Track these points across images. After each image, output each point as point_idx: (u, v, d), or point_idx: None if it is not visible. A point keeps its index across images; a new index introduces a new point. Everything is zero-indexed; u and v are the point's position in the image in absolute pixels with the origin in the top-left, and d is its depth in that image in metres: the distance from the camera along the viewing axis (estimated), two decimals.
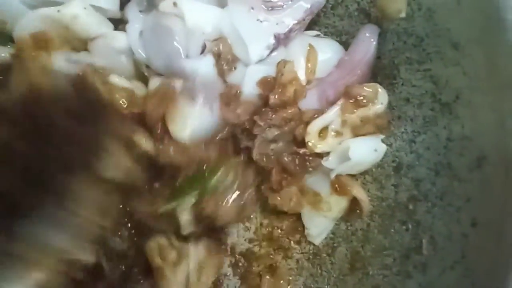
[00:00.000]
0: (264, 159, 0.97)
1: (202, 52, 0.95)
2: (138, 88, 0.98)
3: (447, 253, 0.86)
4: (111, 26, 0.99)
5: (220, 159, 0.95)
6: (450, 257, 0.85)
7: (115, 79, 0.96)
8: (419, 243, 0.90)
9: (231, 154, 0.98)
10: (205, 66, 0.93)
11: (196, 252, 0.95)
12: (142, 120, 0.93)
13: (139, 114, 0.93)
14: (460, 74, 0.83)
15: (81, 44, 0.98)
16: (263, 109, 0.93)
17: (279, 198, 0.99)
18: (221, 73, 0.94)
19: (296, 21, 0.95)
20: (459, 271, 0.83)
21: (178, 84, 0.93)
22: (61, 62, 0.94)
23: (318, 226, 1.03)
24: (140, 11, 1.00)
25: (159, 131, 0.93)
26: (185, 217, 0.93)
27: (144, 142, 0.91)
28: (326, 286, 1.02)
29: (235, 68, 0.94)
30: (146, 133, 0.92)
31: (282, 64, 0.92)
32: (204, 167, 0.94)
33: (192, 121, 0.92)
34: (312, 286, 1.03)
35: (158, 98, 0.93)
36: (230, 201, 0.95)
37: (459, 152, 0.85)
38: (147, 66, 0.99)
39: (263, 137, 0.94)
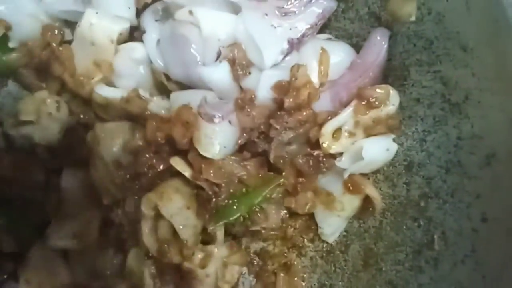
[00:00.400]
0: (281, 161, 0.99)
1: (218, 58, 0.98)
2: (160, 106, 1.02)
3: (458, 248, 0.87)
4: (127, 20, 1.03)
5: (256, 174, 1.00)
6: (461, 251, 0.87)
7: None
8: (430, 238, 0.92)
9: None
10: (220, 73, 0.96)
11: (220, 251, 0.98)
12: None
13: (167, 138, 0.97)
14: (469, 75, 0.85)
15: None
16: (278, 113, 0.95)
17: (294, 202, 1.01)
18: (236, 78, 0.97)
19: (308, 26, 0.98)
20: (470, 265, 0.85)
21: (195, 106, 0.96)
22: None
23: (332, 225, 1.05)
24: (156, 20, 1.03)
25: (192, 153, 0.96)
26: (220, 233, 0.98)
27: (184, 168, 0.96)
28: (340, 283, 1.04)
29: (249, 73, 0.97)
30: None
31: (295, 68, 0.95)
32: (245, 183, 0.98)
33: (217, 138, 0.94)
34: (326, 283, 1.06)
35: (182, 123, 0.95)
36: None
37: (469, 151, 0.87)
38: (166, 75, 1.03)
39: (279, 139, 0.96)
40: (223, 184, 0.96)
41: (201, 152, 0.94)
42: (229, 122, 0.94)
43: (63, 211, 1.03)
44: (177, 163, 0.96)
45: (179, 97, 1.00)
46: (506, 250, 0.79)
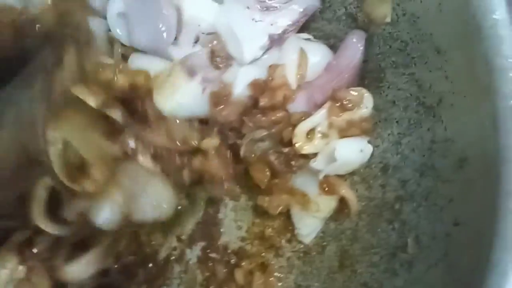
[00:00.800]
0: (252, 155, 0.99)
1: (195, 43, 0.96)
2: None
3: (431, 252, 0.87)
4: None
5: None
6: (434, 255, 0.86)
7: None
8: (405, 242, 0.92)
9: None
10: (198, 55, 0.94)
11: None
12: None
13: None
14: (443, 78, 0.85)
15: None
16: (253, 111, 0.95)
17: (267, 200, 1.01)
18: (217, 69, 0.96)
19: (290, 23, 0.97)
20: (443, 269, 0.84)
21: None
22: None
23: (308, 225, 1.05)
24: None
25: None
26: None
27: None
28: (316, 284, 1.03)
29: (230, 65, 0.96)
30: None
31: (273, 69, 0.95)
32: None
33: (181, 95, 0.93)
34: (302, 283, 1.05)
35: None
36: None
37: (442, 154, 0.86)
38: (124, 45, 1.00)
39: (251, 136, 0.96)
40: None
41: (155, 101, 0.92)
42: (203, 90, 0.93)
43: None
44: (79, 91, 0.88)
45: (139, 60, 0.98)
46: (477, 254, 0.78)
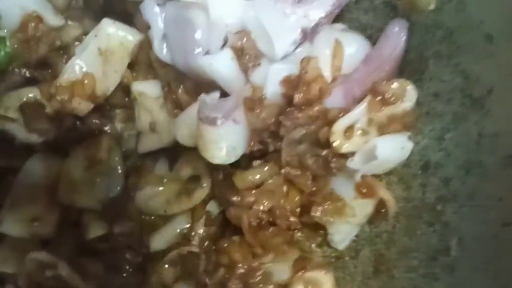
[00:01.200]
0: (294, 161, 0.95)
1: (224, 46, 0.94)
2: None
3: (476, 255, 0.83)
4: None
5: None
6: (479, 258, 0.83)
7: None
8: (446, 244, 0.88)
9: None
10: (223, 62, 0.92)
11: None
12: None
13: None
14: (494, 68, 0.81)
15: None
16: (288, 109, 0.92)
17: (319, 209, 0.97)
18: (245, 69, 0.93)
19: (323, 15, 0.94)
20: (489, 273, 0.81)
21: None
22: None
23: (341, 232, 1.00)
24: (158, 5, 0.99)
25: None
26: None
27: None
28: None
29: (259, 64, 0.93)
30: None
31: (306, 61, 0.90)
32: None
33: (223, 142, 0.91)
34: None
35: None
36: None
37: (490, 150, 0.82)
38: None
39: (290, 137, 0.93)
40: None
41: (209, 160, 0.91)
42: (233, 120, 0.90)
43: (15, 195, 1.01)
44: None
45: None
46: None
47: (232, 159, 0.93)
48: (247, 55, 0.92)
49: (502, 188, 0.80)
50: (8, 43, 1.01)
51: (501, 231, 0.79)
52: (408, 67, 0.94)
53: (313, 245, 1.04)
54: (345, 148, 0.90)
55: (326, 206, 0.95)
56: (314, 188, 0.97)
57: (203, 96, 0.92)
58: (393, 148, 0.92)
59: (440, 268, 0.88)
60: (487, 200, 0.82)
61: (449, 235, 0.87)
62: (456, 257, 0.86)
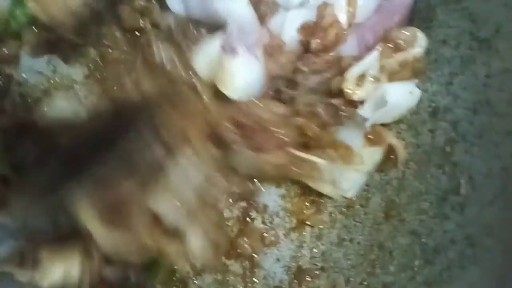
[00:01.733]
0: (307, 107, 0.97)
1: None
2: None
3: (486, 190, 0.85)
4: None
5: None
6: (489, 193, 0.84)
7: None
8: (456, 184, 0.90)
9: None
10: (239, 6, 0.92)
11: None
12: None
13: None
14: (501, 6, 0.83)
15: None
16: (305, 55, 0.93)
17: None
18: (262, 17, 0.94)
19: None
20: (500, 205, 0.83)
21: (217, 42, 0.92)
22: None
23: (350, 179, 1.01)
24: None
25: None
26: None
27: None
28: (360, 236, 1.01)
29: (276, 11, 0.94)
30: None
31: (322, 7, 0.92)
32: None
33: (241, 74, 0.91)
34: (346, 237, 1.02)
35: None
36: None
37: (498, 87, 0.85)
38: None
39: (305, 84, 0.94)
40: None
41: (225, 92, 0.91)
42: (256, 56, 0.92)
43: None
44: None
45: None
46: None
47: (246, 96, 0.93)
48: (264, 2, 0.93)
49: (510, 123, 0.83)
50: None
51: (510, 163, 0.82)
52: (417, 16, 0.97)
53: (323, 196, 1.04)
54: (358, 95, 0.92)
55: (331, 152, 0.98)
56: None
57: (230, 16, 0.92)
58: (402, 94, 0.94)
59: (450, 208, 0.90)
60: (496, 135, 0.84)
61: (458, 174, 0.90)
62: (465, 195, 0.88)
